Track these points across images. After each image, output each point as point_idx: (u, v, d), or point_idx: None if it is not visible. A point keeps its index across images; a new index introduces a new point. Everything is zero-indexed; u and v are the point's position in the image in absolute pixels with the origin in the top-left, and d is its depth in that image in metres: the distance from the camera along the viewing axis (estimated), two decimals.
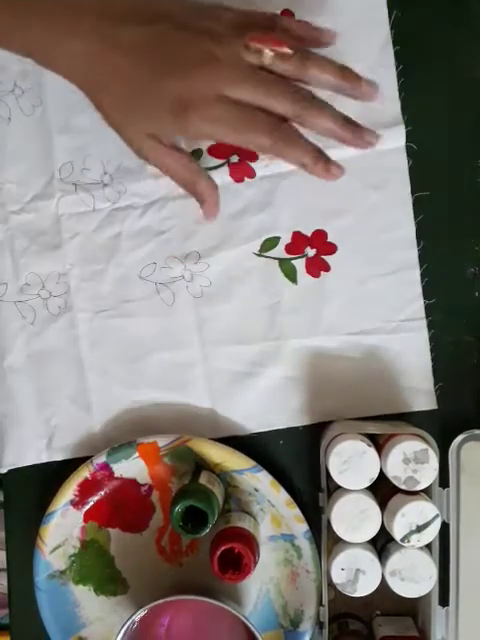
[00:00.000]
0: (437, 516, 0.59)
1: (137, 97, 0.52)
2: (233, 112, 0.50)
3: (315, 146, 0.53)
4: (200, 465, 0.64)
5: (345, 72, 0.52)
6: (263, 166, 0.65)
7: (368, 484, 0.59)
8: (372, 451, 0.59)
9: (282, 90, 0.51)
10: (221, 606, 0.60)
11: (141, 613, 0.61)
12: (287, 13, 0.64)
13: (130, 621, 0.61)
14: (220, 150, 0.65)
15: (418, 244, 0.64)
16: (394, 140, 0.63)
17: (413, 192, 0.64)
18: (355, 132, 0.52)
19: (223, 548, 0.60)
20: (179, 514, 0.60)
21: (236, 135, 0.51)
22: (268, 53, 0.50)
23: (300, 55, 0.51)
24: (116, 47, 0.51)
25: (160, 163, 0.56)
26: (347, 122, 0.52)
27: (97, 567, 0.67)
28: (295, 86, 0.51)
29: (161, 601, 0.60)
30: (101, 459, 0.64)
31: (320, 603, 0.64)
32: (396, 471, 0.59)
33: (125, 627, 0.61)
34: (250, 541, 0.61)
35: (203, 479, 0.62)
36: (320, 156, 0.53)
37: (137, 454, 0.64)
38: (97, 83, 0.53)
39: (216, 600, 0.60)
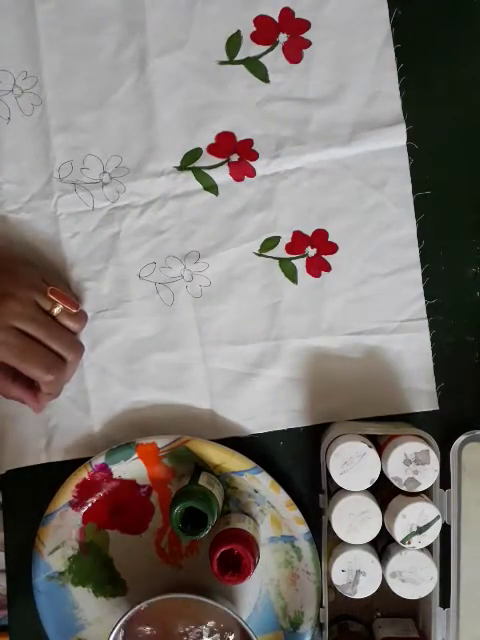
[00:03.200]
0: (438, 517, 0.58)
1: None
2: (18, 341, 0.59)
3: (55, 397, 0.64)
4: (199, 466, 0.64)
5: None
6: (263, 165, 0.64)
7: (369, 485, 0.59)
8: (373, 452, 0.59)
9: (62, 336, 0.62)
10: (218, 606, 0.60)
11: (136, 611, 0.61)
12: (287, 11, 0.63)
13: (124, 619, 0.61)
14: (220, 149, 0.65)
15: (419, 244, 0.64)
16: (395, 139, 0.63)
17: (414, 191, 0.64)
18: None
19: (223, 549, 0.60)
20: (178, 515, 0.59)
21: (17, 361, 0.59)
22: (60, 307, 0.61)
23: (78, 316, 0.63)
24: None
25: None
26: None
27: (96, 568, 0.66)
28: (68, 334, 0.63)
29: (157, 599, 0.60)
30: (100, 460, 0.64)
31: (320, 605, 0.63)
32: (397, 472, 0.59)
33: (119, 625, 0.61)
34: (250, 543, 0.61)
35: (203, 480, 0.62)
36: (50, 400, 0.64)
37: (136, 455, 0.64)
38: None
39: (212, 600, 0.60)
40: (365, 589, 0.60)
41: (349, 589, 0.60)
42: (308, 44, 0.63)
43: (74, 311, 0.62)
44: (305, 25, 0.63)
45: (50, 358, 0.60)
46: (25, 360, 0.59)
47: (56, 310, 0.61)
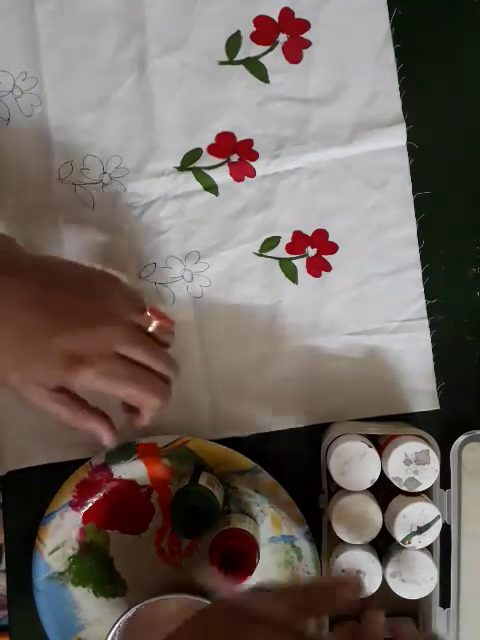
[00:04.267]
0: (438, 517, 0.58)
1: (28, 345, 0.52)
2: (124, 368, 0.54)
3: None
4: (200, 466, 0.64)
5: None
6: (264, 165, 0.64)
7: (369, 485, 0.59)
8: (373, 452, 0.59)
9: (163, 357, 0.57)
10: None
11: (133, 611, 0.61)
12: (287, 11, 0.63)
13: (122, 619, 0.61)
14: (220, 149, 0.65)
15: (419, 244, 0.64)
16: (395, 139, 0.63)
17: (414, 191, 0.64)
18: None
19: (223, 549, 0.60)
20: (179, 515, 0.59)
21: (125, 392, 0.54)
22: (155, 323, 0.56)
23: (171, 332, 0.58)
24: (10, 295, 0.52)
25: (46, 409, 0.54)
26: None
27: (96, 569, 0.66)
28: (167, 354, 0.58)
29: (156, 599, 0.60)
30: (100, 460, 0.64)
31: None
32: (397, 472, 0.59)
33: (117, 625, 0.61)
34: (250, 543, 0.61)
35: (203, 480, 0.62)
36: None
37: (136, 455, 0.64)
38: None
39: (211, 600, 0.60)
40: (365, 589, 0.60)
41: None
42: (308, 44, 0.64)
43: (169, 326, 0.57)
44: (305, 25, 0.63)
45: (158, 384, 0.55)
46: (134, 387, 0.54)
47: (151, 328, 0.56)
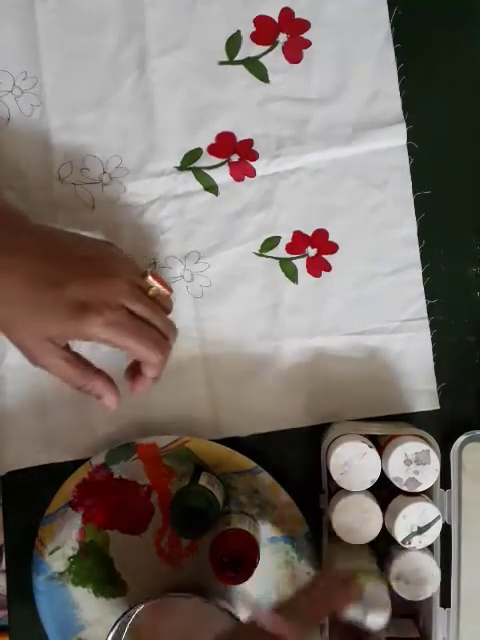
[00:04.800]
0: (438, 517, 0.58)
1: (39, 296, 0.53)
2: (130, 320, 0.55)
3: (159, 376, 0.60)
4: (200, 466, 0.64)
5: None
6: (264, 165, 0.64)
7: (369, 485, 0.59)
8: (373, 452, 0.59)
9: (163, 316, 0.59)
10: (216, 606, 0.60)
11: (133, 611, 0.61)
12: (287, 11, 0.63)
13: (122, 619, 0.61)
14: (220, 149, 0.65)
15: (419, 243, 0.64)
16: (395, 139, 0.63)
17: (414, 191, 0.64)
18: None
19: (223, 550, 0.60)
20: (179, 516, 0.59)
21: (131, 341, 0.55)
22: (156, 287, 0.58)
23: (170, 299, 0.61)
24: (23, 249, 0.54)
25: (54, 367, 0.56)
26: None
27: (96, 569, 0.66)
28: (167, 318, 0.60)
29: (156, 599, 0.60)
30: (100, 460, 0.64)
31: None
32: (397, 472, 0.59)
33: (116, 625, 0.61)
34: (250, 543, 0.61)
35: (203, 480, 0.62)
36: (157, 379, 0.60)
37: (136, 455, 0.64)
38: None
39: (210, 600, 0.60)
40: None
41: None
42: (308, 44, 0.64)
43: (168, 293, 0.59)
44: (305, 25, 0.63)
45: (159, 337, 0.57)
46: (138, 340, 0.56)
47: (152, 291, 0.58)
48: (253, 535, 0.62)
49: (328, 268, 0.65)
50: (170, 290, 0.60)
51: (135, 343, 0.56)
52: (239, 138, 0.65)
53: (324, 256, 0.65)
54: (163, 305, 0.59)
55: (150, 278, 0.58)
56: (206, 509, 0.59)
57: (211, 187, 0.65)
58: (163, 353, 0.57)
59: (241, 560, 0.60)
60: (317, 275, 0.65)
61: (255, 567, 0.61)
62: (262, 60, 0.64)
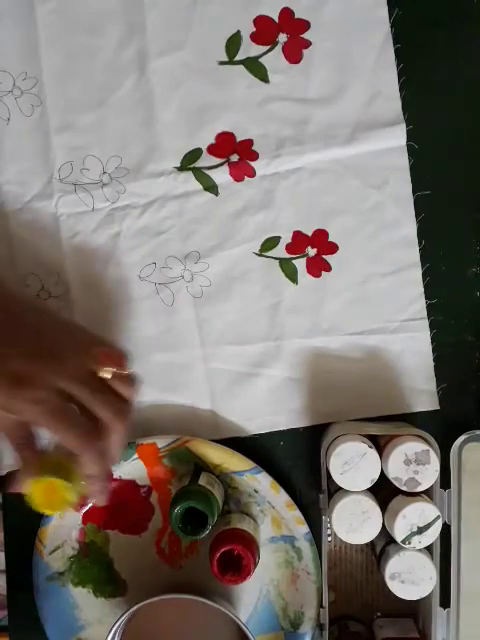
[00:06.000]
0: (438, 517, 0.58)
1: None
2: (60, 404, 0.53)
3: (104, 479, 0.56)
4: (200, 466, 0.64)
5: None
6: (264, 165, 0.64)
7: (369, 485, 0.59)
8: (373, 452, 0.59)
9: (107, 401, 0.55)
10: (216, 607, 0.60)
11: (133, 611, 0.61)
12: (287, 11, 0.63)
13: (122, 619, 0.61)
14: (220, 149, 0.65)
15: (419, 244, 0.64)
16: (395, 139, 0.63)
17: (414, 191, 0.64)
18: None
19: (223, 549, 0.60)
20: (179, 515, 0.59)
21: (51, 424, 0.52)
22: (110, 371, 0.55)
23: (130, 379, 0.57)
24: None
25: None
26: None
27: (96, 569, 0.66)
28: (116, 399, 0.56)
29: (155, 599, 0.60)
30: None
31: (320, 605, 0.63)
32: (397, 472, 0.58)
33: (116, 625, 0.61)
34: (250, 543, 0.61)
35: (203, 481, 0.62)
36: (103, 485, 0.56)
37: (136, 455, 0.64)
38: None
39: (210, 600, 0.60)
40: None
41: None
42: (308, 44, 0.64)
43: (125, 372, 0.56)
44: (305, 25, 0.63)
45: (88, 427, 0.53)
46: (65, 428, 0.52)
47: (107, 374, 0.55)
48: (253, 535, 0.62)
49: (328, 268, 0.65)
50: (126, 368, 0.56)
51: (59, 429, 0.52)
52: (239, 138, 0.65)
53: (324, 256, 0.65)
54: (120, 389, 0.56)
55: (101, 359, 0.55)
56: (206, 509, 0.59)
57: (211, 187, 0.65)
58: (90, 446, 0.53)
59: (241, 560, 0.60)
60: (317, 275, 0.65)
61: (255, 567, 0.61)
62: (262, 60, 0.64)
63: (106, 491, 0.56)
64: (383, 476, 0.59)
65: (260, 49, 0.64)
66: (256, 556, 0.61)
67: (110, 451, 0.55)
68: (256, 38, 0.64)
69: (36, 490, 0.52)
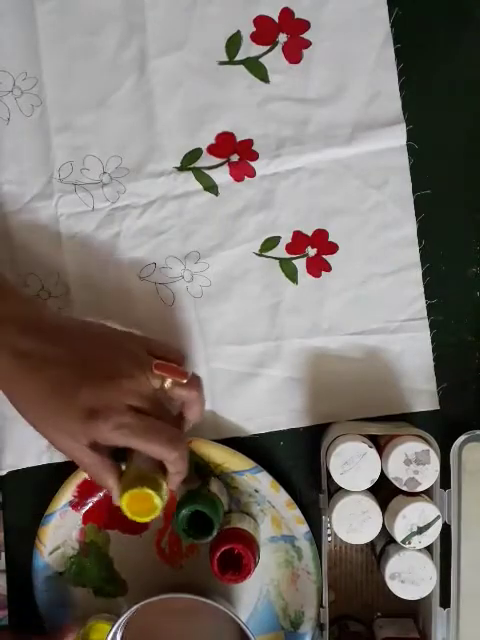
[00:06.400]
0: (438, 517, 0.58)
1: (49, 404, 0.55)
2: (138, 421, 0.55)
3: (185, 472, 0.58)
4: (210, 471, 0.64)
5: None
6: (264, 165, 0.64)
7: (369, 485, 0.59)
8: (373, 452, 0.59)
9: (170, 411, 0.59)
10: (216, 606, 0.60)
11: (133, 611, 0.61)
12: (287, 11, 0.63)
13: (122, 619, 0.61)
14: (220, 149, 0.65)
15: (419, 243, 0.64)
16: (395, 139, 0.63)
17: (414, 191, 0.64)
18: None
19: (223, 549, 0.60)
20: (185, 518, 0.59)
21: (141, 442, 0.55)
22: (169, 381, 0.57)
23: (191, 384, 0.58)
24: (24, 356, 0.55)
25: (75, 459, 0.57)
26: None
27: (96, 569, 0.66)
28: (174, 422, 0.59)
29: (155, 598, 0.60)
30: None
31: (321, 605, 0.63)
32: (397, 472, 0.58)
33: (116, 625, 0.61)
34: (250, 542, 0.61)
35: (213, 486, 0.62)
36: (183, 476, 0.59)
37: None
38: (13, 388, 0.57)
39: (210, 600, 0.60)
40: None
41: None
42: (308, 44, 0.64)
43: (183, 381, 0.58)
44: (305, 25, 0.63)
45: (172, 432, 0.56)
46: (149, 440, 0.55)
47: (166, 384, 0.57)
48: (253, 535, 0.62)
49: (328, 268, 0.65)
50: (184, 376, 0.58)
51: (146, 443, 0.55)
52: (239, 138, 0.65)
53: (324, 256, 0.65)
54: (182, 394, 0.58)
55: (156, 371, 0.57)
56: (213, 515, 0.59)
57: (211, 187, 0.65)
58: (176, 449, 0.56)
59: (241, 559, 0.60)
60: (317, 275, 0.65)
61: (255, 567, 0.61)
62: (262, 60, 0.64)
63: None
64: (383, 476, 0.59)
65: (260, 49, 0.64)
66: (256, 555, 0.61)
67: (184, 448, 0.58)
68: (256, 38, 0.64)
69: (129, 502, 0.56)
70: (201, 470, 0.65)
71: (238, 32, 0.64)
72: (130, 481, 0.56)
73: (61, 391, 0.55)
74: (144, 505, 0.56)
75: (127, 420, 0.55)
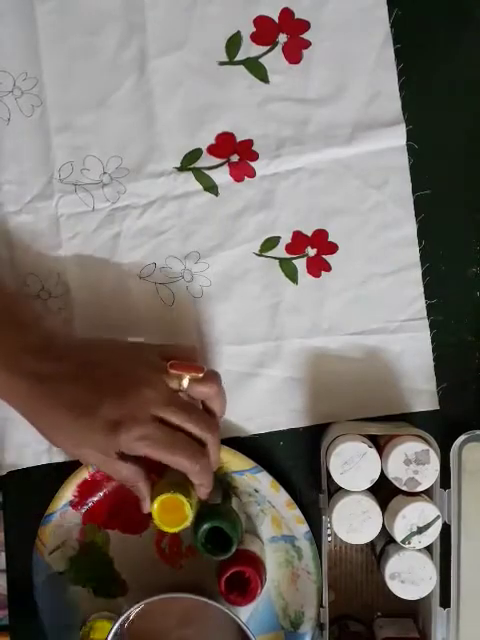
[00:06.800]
0: (438, 517, 0.58)
1: (74, 423, 0.56)
2: (162, 432, 0.56)
3: (211, 484, 0.59)
4: (232, 488, 0.64)
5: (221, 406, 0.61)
6: (264, 165, 0.64)
7: (369, 485, 0.59)
8: (373, 452, 0.59)
9: (196, 416, 0.58)
10: (216, 606, 0.60)
11: (134, 611, 0.61)
12: (287, 12, 0.63)
13: (122, 619, 0.61)
14: (220, 149, 0.65)
15: (419, 243, 0.64)
16: (395, 139, 0.63)
17: (414, 191, 0.64)
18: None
19: (234, 570, 0.60)
20: (205, 532, 0.59)
21: (166, 454, 0.56)
22: (186, 379, 0.57)
23: (208, 378, 0.59)
24: (43, 381, 0.56)
25: (110, 472, 0.59)
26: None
27: (96, 568, 0.66)
28: (204, 414, 0.59)
29: (155, 598, 0.60)
30: None
31: (321, 604, 0.63)
32: (397, 472, 0.58)
33: (116, 625, 0.61)
34: (258, 566, 0.61)
35: (234, 504, 0.62)
36: (210, 487, 0.59)
37: None
38: (32, 411, 0.58)
39: (210, 600, 0.60)
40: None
41: None
42: (308, 44, 0.64)
43: (200, 376, 0.58)
44: (305, 25, 0.63)
45: (194, 446, 0.57)
46: (173, 452, 0.56)
47: (185, 383, 0.58)
48: (261, 558, 0.62)
49: (328, 268, 0.65)
50: (200, 370, 0.58)
51: (169, 455, 0.56)
52: (239, 138, 0.65)
53: (324, 256, 0.65)
54: (202, 390, 0.58)
55: (173, 371, 0.58)
56: (232, 533, 0.59)
57: (211, 187, 0.65)
58: (199, 462, 0.56)
59: (248, 583, 0.61)
60: (317, 275, 0.65)
61: (262, 588, 0.61)
62: (262, 60, 0.64)
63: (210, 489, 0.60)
64: (383, 476, 0.59)
65: (260, 49, 0.64)
66: (263, 580, 0.62)
67: (211, 460, 0.59)
68: (256, 38, 0.64)
69: (160, 511, 0.57)
70: None
71: (238, 32, 0.64)
72: (162, 488, 0.57)
73: (83, 408, 0.56)
74: (175, 515, 0.57)
75: (150, 431, 0.55)
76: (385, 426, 0.63)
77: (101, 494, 0.65)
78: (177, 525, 0.58)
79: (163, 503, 0.57)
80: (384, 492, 0.61)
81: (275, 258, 0.65)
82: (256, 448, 0.66)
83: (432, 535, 0.59)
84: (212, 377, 0.59)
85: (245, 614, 0.66)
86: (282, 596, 0.66)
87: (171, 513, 0.57)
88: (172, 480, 0.59)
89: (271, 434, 0.66)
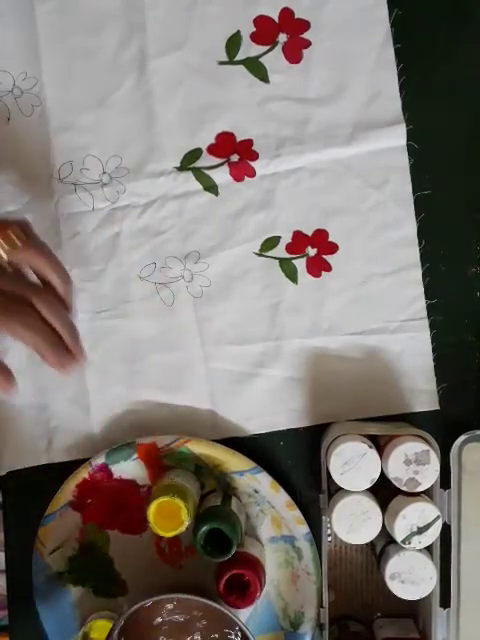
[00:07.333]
0: (438, 517, 0.58)
1: None
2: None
3: (51, 336, 0.54)
4: (232, 489, 0.64)
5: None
6: (263, 165, 0.64)
7: (369, 485, 0.59)
8: (373, 452, 0.59)
9: (16, 282, 0.54)
10: (216, 606, 0.60)
11: (134, 610, 0.61)
12: (287, 11, 0.63)
13: (122, 619, 0.61)
14: (220, 149, 0.65)
15: (419, 243, 0.64)
16: (395, 139, 0.63)
17: (414, 191, 0.64)
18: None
19: (233, 572, 0.60)
20: (204, 534, 0.59)
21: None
22: (4, 246, 0.53)
23: (28, 246, 0.54)
24: None
25: None
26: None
27: (96, 569, 0.66)
28: (26, 282, 0.55)
29: (156, 598, 0.60)
30: (100, 460, 0.64)
31: (320, 605, 0.63)
32: (397, 472, 0.58)
33: (116, 625, 0.61)
34: (258, 569, 0.61)
35: (234, 506, 0.62)
36: (56, 346, 0.54)
37: (136, 455, 0.64)
38: None
39: (210, 600, 0.60)
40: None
41: None
42: (308, 44, 0.64)
43: (19, 244, 0.54)
44: (305, 25, 0.63)
45: (28, 315, 0.53)
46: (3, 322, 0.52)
47: (2, 254, 0.53)
48: (260, 560, 0.62)
49: (328, 268, 0.65)
50: (18, 237, 0.53)
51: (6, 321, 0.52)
52: (239, 138, 0.65)
53: (324, 256, 0.65)
54: (21, 257, 0.54)
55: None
56: (232, 535, 0.59)
57: (211, 187, 0.65)
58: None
59: (248, 586, 0.61)
60: (317, 275, 0.65)
61: (261, 591, 0.61)
62: (262, 60, 0.64)
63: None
64: (383, 476, 0.59)
65: (260, 49, 0.64)
66: (262, 583, 0.61)
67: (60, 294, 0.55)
68: (256, 38, 0.64)
69: (157, 514, 0.58)
70: (201, 470, 0.65)
71: (238, 32, 0.64)
72: (160, 490, 0.57)
73: None
74: (171, 519, 0.57)
75: None
76: (385, 426, 0.63)
77: (101, 494, 0.65)
78: (173, 530, 0.58)
79: (160, 506, 0.57)
80: (384, 492, 0.61)
81: (275, 258, 0.65)
82: (256, 448, 0.66)
83: (432, 535, 0.59)
84: (33, 245, 0.55)
85: (245, 615, 0.66)
86: (282, 596, 0.66)
87: (168, 517, 0.58)
88: (171, 483, 0.59)
89: (271, 434, 0.66)
